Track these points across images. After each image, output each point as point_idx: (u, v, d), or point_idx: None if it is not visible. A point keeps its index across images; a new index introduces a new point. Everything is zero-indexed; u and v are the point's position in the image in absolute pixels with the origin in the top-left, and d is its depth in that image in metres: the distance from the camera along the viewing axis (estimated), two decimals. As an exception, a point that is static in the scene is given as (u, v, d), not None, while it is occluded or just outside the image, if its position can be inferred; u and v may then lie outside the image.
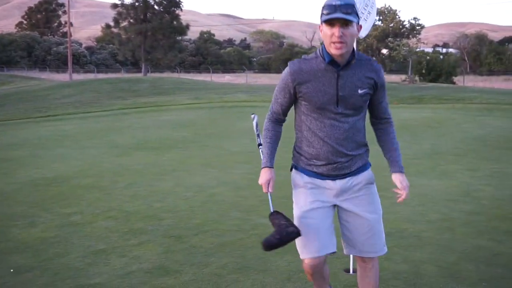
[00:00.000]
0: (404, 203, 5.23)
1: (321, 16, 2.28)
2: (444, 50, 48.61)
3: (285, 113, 2.53)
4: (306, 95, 2.36)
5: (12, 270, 3.62)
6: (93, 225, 4.65)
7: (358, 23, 2.32)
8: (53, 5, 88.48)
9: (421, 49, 44.12)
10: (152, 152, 8.75)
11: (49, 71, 55.19)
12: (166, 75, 43.93)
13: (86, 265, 3.69)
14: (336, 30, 2.23)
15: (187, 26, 54.44)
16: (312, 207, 2.43)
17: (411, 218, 4.78)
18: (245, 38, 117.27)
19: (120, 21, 52.07)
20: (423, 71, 34.94)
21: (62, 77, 44.76)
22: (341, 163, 2.41)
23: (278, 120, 2.55)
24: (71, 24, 58.06)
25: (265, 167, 2.48)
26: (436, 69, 34.80)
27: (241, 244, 4.05)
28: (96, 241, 4.21)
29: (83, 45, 78.31)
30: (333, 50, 2.26)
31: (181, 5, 53.62)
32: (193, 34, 78.27)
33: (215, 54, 75.89)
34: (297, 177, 2.49)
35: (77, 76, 45.19)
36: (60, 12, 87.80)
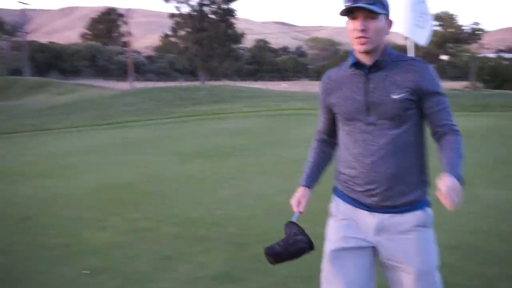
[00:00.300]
0: (472, 215, 5.08)
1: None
2: (509, 56, 46.76)
3: (327, 131, 2.24)
4: (336, 106, 2.08)
5: (88, 272, 3.78)
6: (159, 231, 4.77)
7: (388, 16, 1.99)
8: (114, 16, 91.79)
9: (483, 54, 42.68)
10: (211, 160, 8.88)
11: (111, 80, 57.20)
12: (223, 83, 44.58)
13: (154, 270, 3.79)
14: (358, 24, 1.93)
15: (242, 35, 55.15)
16: (343, 246, 2.02)
17: (480, 230, 4.62)
18: (300, 45, 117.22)
19: (178, 30, 53.38)
20: (487, 77, 33.76)
21: (123, 85, 46.25)
22: (379, 189, 1.96)
23: (322, 140, 2.27)
24: (130, 34, 60.03)
25: (300, 185, 2.21)
26: (501, 75, 33.55)
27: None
28: (163, 247, 4.32)
29: (143, 54, 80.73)
30: (356, 47, 1.97)
31: (235, 14, 54.36)
32: (248, 42, 79.06)
33: (271, 62, 76.38)
34: (333, 205, 2.15)
35: (138, 85, 46.55)
36: (120, 23, 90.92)
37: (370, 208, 1.99)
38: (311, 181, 2.22)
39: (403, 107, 1.95)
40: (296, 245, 2.01)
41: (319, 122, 2.27)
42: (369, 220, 1.99)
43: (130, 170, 8.03)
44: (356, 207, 2.03)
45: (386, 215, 1.97)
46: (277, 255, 2.01)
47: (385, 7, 1.97)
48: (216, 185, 6.79)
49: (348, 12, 1.95)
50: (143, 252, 4.19)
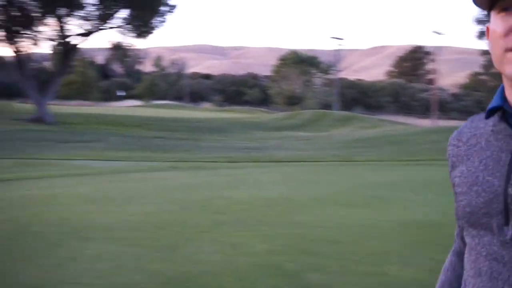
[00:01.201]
0: None
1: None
2: None
3: None
4: (456, 192, 1.10)
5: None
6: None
7: None
8: (421, 54, 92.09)
9: None
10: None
11: (412, 116, 57.31)
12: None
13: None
14: None
15: None
16: None
17: None
18: None
19: (489, 68, 50.27)
20: None
21: (424, 122, 45.81)
22: None
23: (459, 253, 1.25)
24: (436, 71, 59.17)
25: None
26: None
27: None
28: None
29: (448, 92, 78.60)
30: (509, 68, 0.99)
31: None
32: None
33: None
34: None
35: (440, 122, 45.43)
36: (426, 60, 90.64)
37: None
38: None
39: None
40: None
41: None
42: None
43: (433, 209, 7.82)
44: None
45: None
46: None
47: None
48: None
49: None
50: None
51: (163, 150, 22.00)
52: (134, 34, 42.39)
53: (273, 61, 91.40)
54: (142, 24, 41.52)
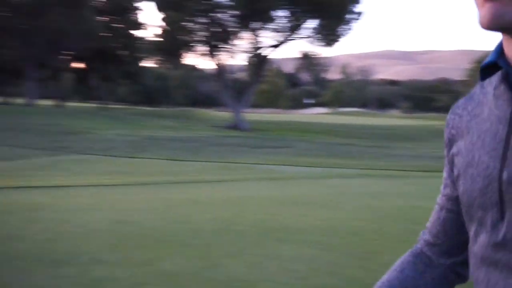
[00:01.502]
0: None
1: None
2: None
3: (440, 232, 0.96)
4: (456, 175, 0.85)
5: None
6: None
7: None
8: None
9: None
10: None
11: None
12: None
13: None
14: None
15: None
16: None
17: None
18: None
19: None
20: None
21: None
22: None
23: (420, 253, 1.01)
24: None
25: None
26: None
27: None
28: None
29: None
30: (481, 13, 0.67)
31: None
32: None
33: None
34: None
35: None
36: None
37: None
38: None
39: None
40: None
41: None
42: None
43: None
44: None
45: None
46: None
47: None
48: None
49: None
50: None
51: (351, 157, 21.93)
52: (322, 43, 43.25)
53: (466, 64, 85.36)
54: (329, 33, 42.16)
